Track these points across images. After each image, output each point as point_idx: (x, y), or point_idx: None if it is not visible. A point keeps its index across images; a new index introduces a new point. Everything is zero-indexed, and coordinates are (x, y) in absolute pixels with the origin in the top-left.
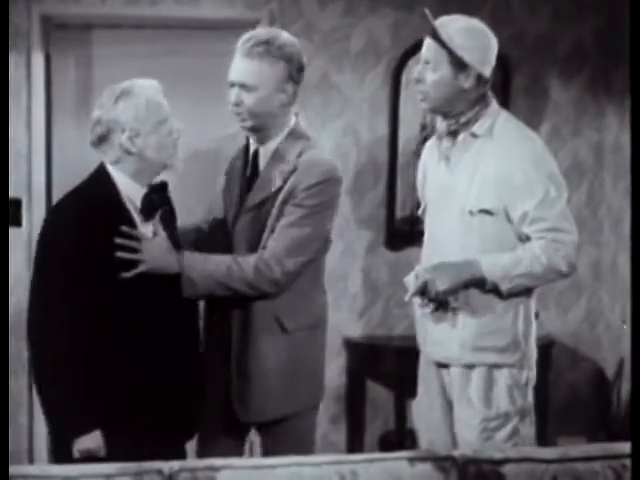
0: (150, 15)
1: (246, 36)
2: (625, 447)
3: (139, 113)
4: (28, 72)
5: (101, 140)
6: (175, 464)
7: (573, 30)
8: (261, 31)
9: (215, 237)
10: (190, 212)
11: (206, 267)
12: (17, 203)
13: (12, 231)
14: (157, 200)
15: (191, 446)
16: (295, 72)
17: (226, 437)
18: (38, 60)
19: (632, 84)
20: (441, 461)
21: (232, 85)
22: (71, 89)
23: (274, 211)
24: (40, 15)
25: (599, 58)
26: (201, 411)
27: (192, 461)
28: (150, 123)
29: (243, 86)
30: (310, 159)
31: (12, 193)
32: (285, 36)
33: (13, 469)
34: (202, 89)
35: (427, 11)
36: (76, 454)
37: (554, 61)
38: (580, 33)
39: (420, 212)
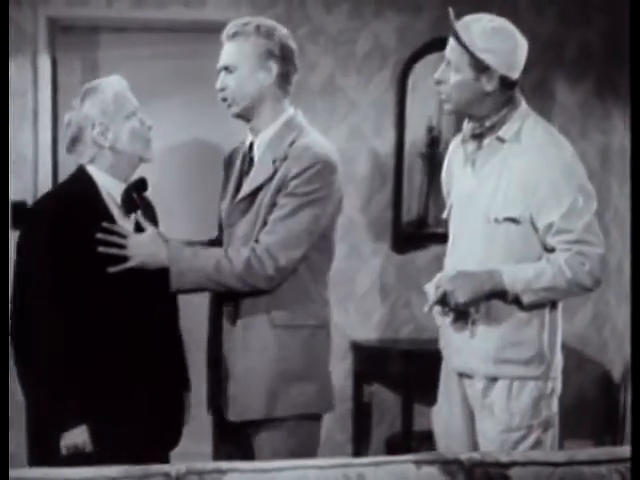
0: (156, 18)
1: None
2: None
3: (107, 107)
4: (34, 75)
5: (74, 141)
6: (182, 467)
7: (579, 33)
8: (243, 18)
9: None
10: (199, 221)
11: (195, 260)
12: (23, 206)
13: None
14: (137, 196)
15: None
16: (277, 50)
17: (222, 439)
18: (44, 63)
19: (632, 86)
20: (448, 464)
21: (219, 72)
22: (77, 92)
23: (266, 201)
24: (46, 18)
25: (605, 61)
26: (183, 411)
27: (199, 464)
28: (119, 116)
29: (226, 69)
30: (301, 145)
31: (18, 196)
32: (266, 20)
33: (13, 472)
34: (208, 91)
35: (450, 10)
36: (63, 450)
37: (560, 63)
38: (586, 36)
39: (445, 214)
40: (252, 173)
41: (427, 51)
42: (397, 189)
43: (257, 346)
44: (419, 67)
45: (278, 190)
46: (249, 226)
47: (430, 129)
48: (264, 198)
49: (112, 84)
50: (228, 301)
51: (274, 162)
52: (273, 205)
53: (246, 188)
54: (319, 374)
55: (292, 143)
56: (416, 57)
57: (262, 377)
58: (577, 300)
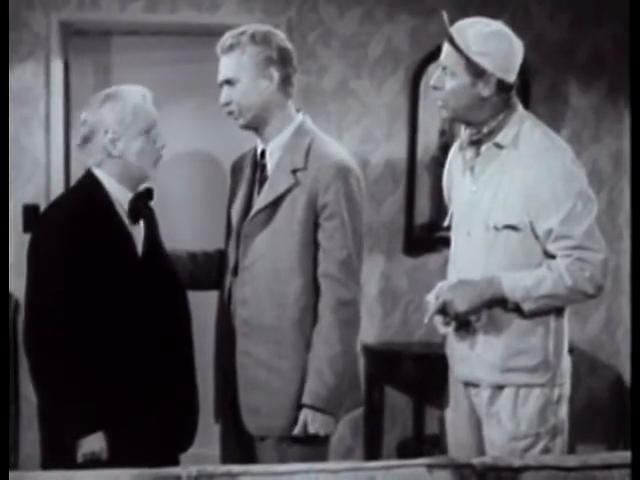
0: (169, 22)
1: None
2: None
3: (124, 117)
4: (47, 79)
5: (85, 141)
6: (193, 469)
7: (592, 36)
8: (238, 28)
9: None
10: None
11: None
12: (35, 209)
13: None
14: (143, 207)
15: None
16: (276, 55)
17: (237, 449)
18: (57, 67)
19: (632, 88)
20: (460, 468)
21: (221, 87)
22: (90, 96)
23: (299, 217)
24: (59, 22)
25: (618, 64)
26: (196, 415)
27: (210, 467)
28: (133, 129)
29: (228, 82)
30: (319, 154)
31: (30, 199)
32: (260, 26)
33: (13, 474)
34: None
35: (444, 14)
36: (80, 458)
37: (573, 67)
38: (599, 39)
39: (447, 221)
40: (269, 182)
41: (440, 54)
42: (409, 192)
43: (286, 365)
44: (432, 70)
45: (310, 202)
46: (272, 237)
47: (442, 132)
48: (293, 214)
49: (134, 95)
50: (237, 310)
51: (294, 172)
52: (307, 222)
53: (265, 199)
54: (348, 389)
55: (308, 150)
56: (429, 60)
57: (290, 396)
58: (590, 304)
